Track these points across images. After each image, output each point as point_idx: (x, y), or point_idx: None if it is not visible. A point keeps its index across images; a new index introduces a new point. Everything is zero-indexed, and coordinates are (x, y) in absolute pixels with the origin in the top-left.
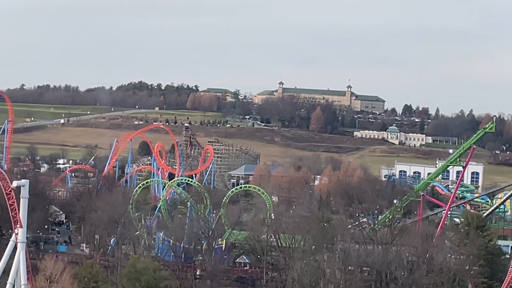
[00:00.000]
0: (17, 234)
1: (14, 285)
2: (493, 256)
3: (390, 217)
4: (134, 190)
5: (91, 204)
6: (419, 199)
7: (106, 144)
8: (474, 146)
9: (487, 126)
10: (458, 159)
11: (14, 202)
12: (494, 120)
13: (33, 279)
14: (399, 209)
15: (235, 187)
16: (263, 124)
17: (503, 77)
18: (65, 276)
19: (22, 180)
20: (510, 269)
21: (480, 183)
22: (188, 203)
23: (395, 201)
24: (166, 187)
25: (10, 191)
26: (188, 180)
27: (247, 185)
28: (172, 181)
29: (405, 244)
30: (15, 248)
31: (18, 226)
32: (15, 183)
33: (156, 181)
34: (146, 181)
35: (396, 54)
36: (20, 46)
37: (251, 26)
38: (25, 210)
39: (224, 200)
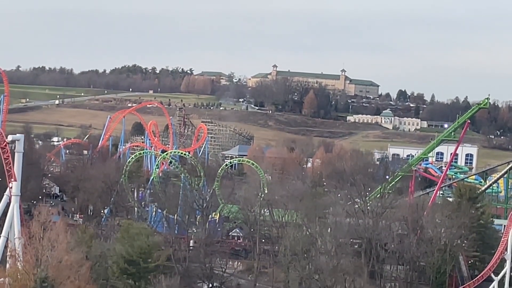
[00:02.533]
0: (11, 188)
1: (7, 238)
2: (485, 230)
3: (382, 191)
4: (127, 161)
5: (85, 173)
6: (411, 174)
7: (99, 125)
8: (469, 121)
9: (481, 102)
10: (452, 133)
11: (8, 156)
12: (488, 96)
13: (27, 232)
14: (391, 183)
15: (230, 161)
16: (257, 108)
17: (497, 66)
18: (59, 222)
19: (17, 135)
20: (502, 240)
21: (474, 165)
22: (182, 175)
23: (387, 177)
24: (159, 159)
25: (5, 145)
26: (182, 153)
27: (242, 159)
28: (165, 153)
29: (396, 216)
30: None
31: (12, 180)
32: (10, 137)
33: (149, 152)
34: (139, 152)
35: (391, 41)
36: (16, 28)
37: (246, 12)
38: (19, 164)
39: (218, 172)
